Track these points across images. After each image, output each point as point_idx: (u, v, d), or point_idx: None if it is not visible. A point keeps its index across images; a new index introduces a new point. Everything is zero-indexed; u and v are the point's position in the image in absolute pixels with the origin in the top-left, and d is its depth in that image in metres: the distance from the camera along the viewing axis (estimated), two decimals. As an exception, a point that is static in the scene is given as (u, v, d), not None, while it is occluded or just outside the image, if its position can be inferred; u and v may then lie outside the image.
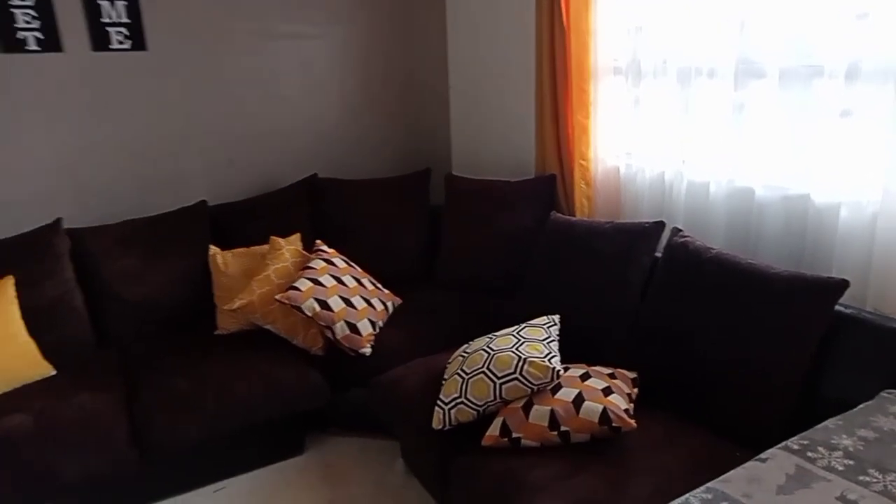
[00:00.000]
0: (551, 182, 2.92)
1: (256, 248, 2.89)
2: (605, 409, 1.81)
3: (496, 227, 2.91)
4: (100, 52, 2.85)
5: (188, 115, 3.11)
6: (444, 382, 2.08)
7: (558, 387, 1.93)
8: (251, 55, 3.20)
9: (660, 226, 2.33)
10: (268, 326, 2.63)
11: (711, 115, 2.34)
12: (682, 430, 1.90)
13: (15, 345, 2.39)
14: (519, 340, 2.05)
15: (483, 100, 3.48)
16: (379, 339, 2.63)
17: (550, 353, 1.99)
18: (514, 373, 1.92)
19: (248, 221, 3.06)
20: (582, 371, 2.02)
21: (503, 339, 2.08)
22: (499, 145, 3.43)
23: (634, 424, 1.79)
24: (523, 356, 1.94)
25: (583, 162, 2.81)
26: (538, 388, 1.92)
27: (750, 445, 1.69)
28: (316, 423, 2.70)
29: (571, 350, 2.18)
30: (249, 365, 2.46)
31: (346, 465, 2.54)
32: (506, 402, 1.94)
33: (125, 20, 2.87)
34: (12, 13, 2.64)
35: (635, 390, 2.03)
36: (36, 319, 2.49)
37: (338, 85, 3.47)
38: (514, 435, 1.87)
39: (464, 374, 2.00)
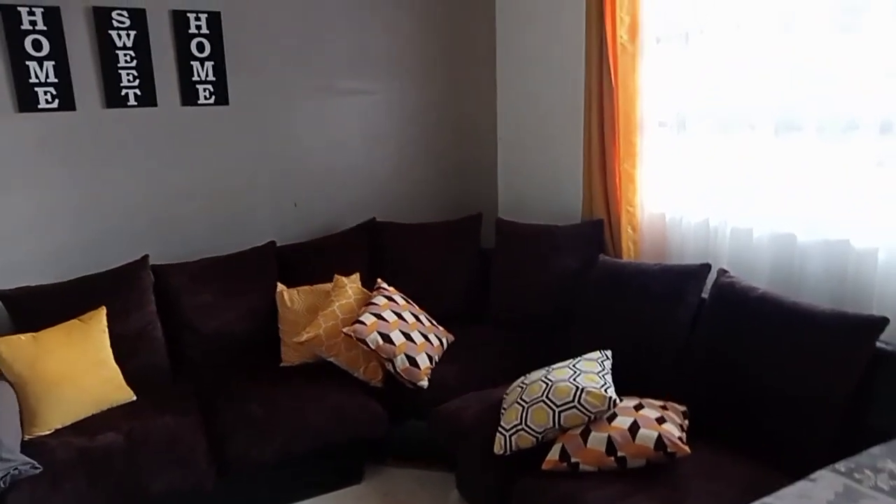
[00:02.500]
0: (599, 227, 3.09)
1: (320, 285, 3.10)
2: (660, 436, 1.93)
3: (546, 269, 3.08)
4: (188, 106, 3.16)
5: (260, 163, 3.39)
6: (503, 411, 2.22)
7: (614, 415, 2.06)
8: (317, 109, 3.49)
9: (706, 267, 2.48)
10: (331, 359, 2.81)
11: (753, 164, 2.51)
12: (732, 459, 2.01)
13: (105, 370, 2.60)
14: (575, 372, 2.19)
15: (530, 149, 3.71)
16: (436, 373, 2.78)
17: (606, 383, 2.12)
18: (573, 401, 2.05)
19: (312, 261, 3.27)
20: (635, 402, 2.15)
21: (560, 371, 2.22)
22: (545, 192, 3.63)
23: (689, 450, 1.91)
24: (581, 386, 2.08)
25: (630, 208, 2.98)
26: (595, 417, 2.05)
27: (795, 474, 1.79)
28: (374, 454, 2.84)
29: (622, 384, 2.31)
30: (317, 393, 2.64)
31: (403, 494, 2.66)
32: (564, 430, 2.07)
33: (211, 78, 3.18)
34: (119, 73, 2.96)
35: (686, 422, 2.14)
36: (121, 348, 2.70)
37: (395, 135, 3.73)
38: (573, 459, 1.99)
39: (524, 403, 2.15)
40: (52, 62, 2.82)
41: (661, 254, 2.93)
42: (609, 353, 2.38)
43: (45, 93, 2.83)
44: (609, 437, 1.97)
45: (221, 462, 2.37)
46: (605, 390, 2.07)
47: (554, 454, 2.02)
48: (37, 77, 2.80)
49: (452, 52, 3.79)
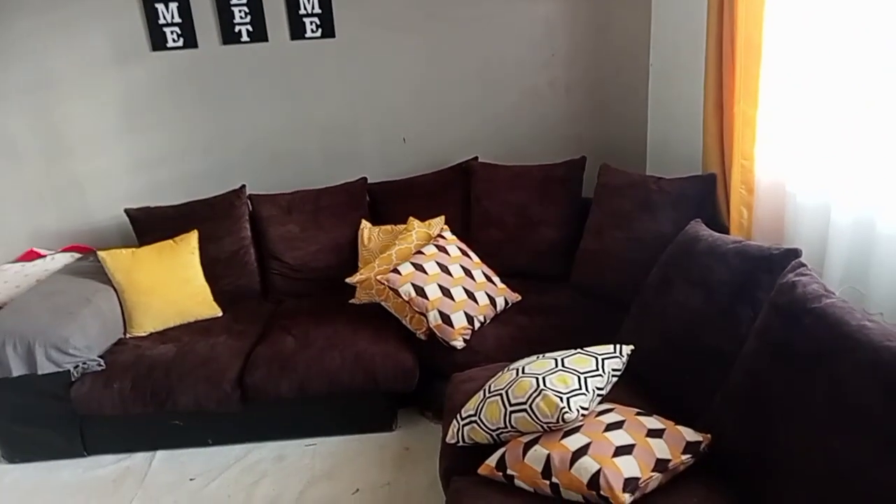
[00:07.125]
0: (705, 184, 2.42)
1: (399, 226, 3.01)
2: (599, 472, 1.49)
3: (632, 231, 2.54)
4: (296, 40, 3.22)
5: (369, 96, 3.34)
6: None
7: (576, 430, 1.65)
8: (429, 38, 3.28)
9: (791, 254, 1.77)
10: (382, 303, 2.75)
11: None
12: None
13: (190, 287, 2.93)
14: (555, 367, 1.79)
15: (681, 83, 3.00)
16: (478, 334, 2.54)
17: (578, 389, 1.69)
18: (525, 403, 1.69)
19: (403, 200, 3.17)
20: (619, 418, 1.69)
21: (542, 362, 1.84)
22: (692, 134, 2.94)
23: (625, 502, 1.44)
24: (542, 387, 1.70)
25: (744, 162, 2.26)
26: (547, 427, 1.66)
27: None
28: (419, 403, 2.74)
29: (658, 390, 1.90)
30: (351, 337, 2.60)
31: (424, 453, 2.53)
32: (519, 433, 1.73)
33: (318, 11, 3.18)
34: (232, 11, 3.14)
35: (684, 458, 1.61)
36: (216, 268, 3.01)
37: (515, 66, 3.35)
38: (509, 471, 1.67)
39: (486, 393, 1.84)
40: (176, 3, 3.10)
41: (779, 231, 2.19)
42: (628, 349, 1.88)
43: (172, 32, 3.14)
44: (549, 457, 1.59)
45: (243, 388, 2.51)
46: (567, 398, 1.65)
47: (493, 459, 1.71)
48: (164, 18, 3.11)
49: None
